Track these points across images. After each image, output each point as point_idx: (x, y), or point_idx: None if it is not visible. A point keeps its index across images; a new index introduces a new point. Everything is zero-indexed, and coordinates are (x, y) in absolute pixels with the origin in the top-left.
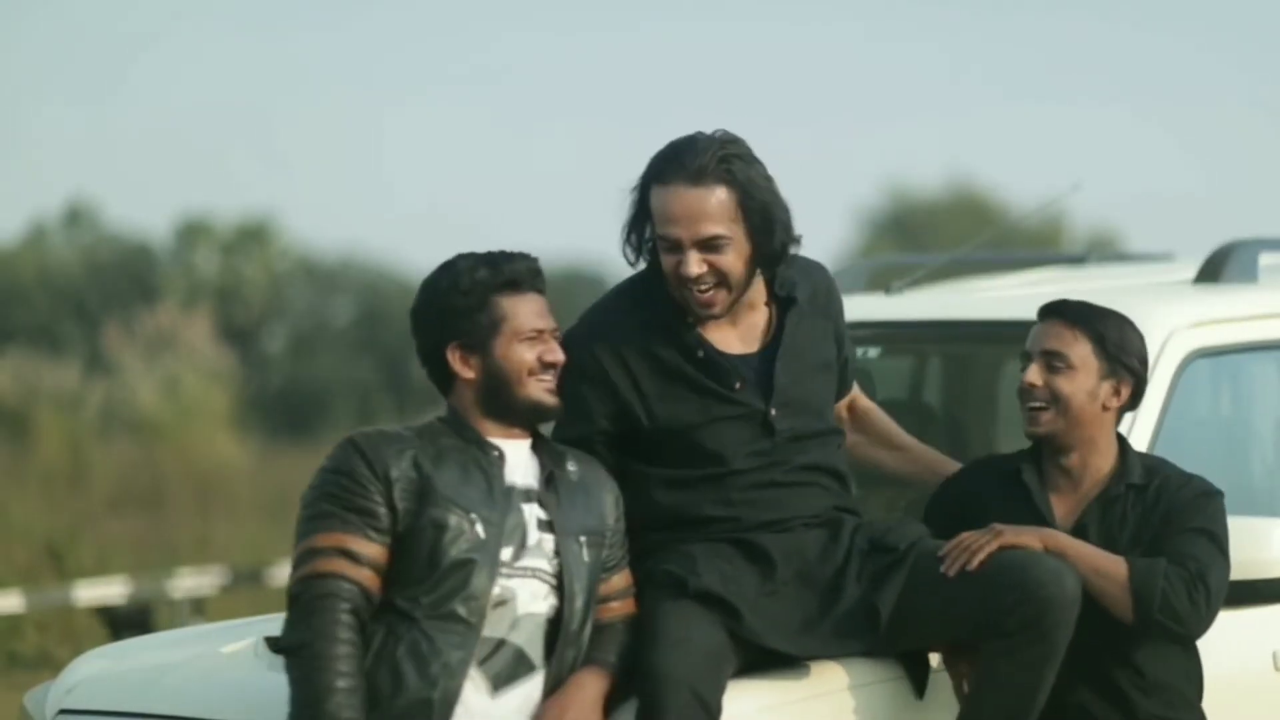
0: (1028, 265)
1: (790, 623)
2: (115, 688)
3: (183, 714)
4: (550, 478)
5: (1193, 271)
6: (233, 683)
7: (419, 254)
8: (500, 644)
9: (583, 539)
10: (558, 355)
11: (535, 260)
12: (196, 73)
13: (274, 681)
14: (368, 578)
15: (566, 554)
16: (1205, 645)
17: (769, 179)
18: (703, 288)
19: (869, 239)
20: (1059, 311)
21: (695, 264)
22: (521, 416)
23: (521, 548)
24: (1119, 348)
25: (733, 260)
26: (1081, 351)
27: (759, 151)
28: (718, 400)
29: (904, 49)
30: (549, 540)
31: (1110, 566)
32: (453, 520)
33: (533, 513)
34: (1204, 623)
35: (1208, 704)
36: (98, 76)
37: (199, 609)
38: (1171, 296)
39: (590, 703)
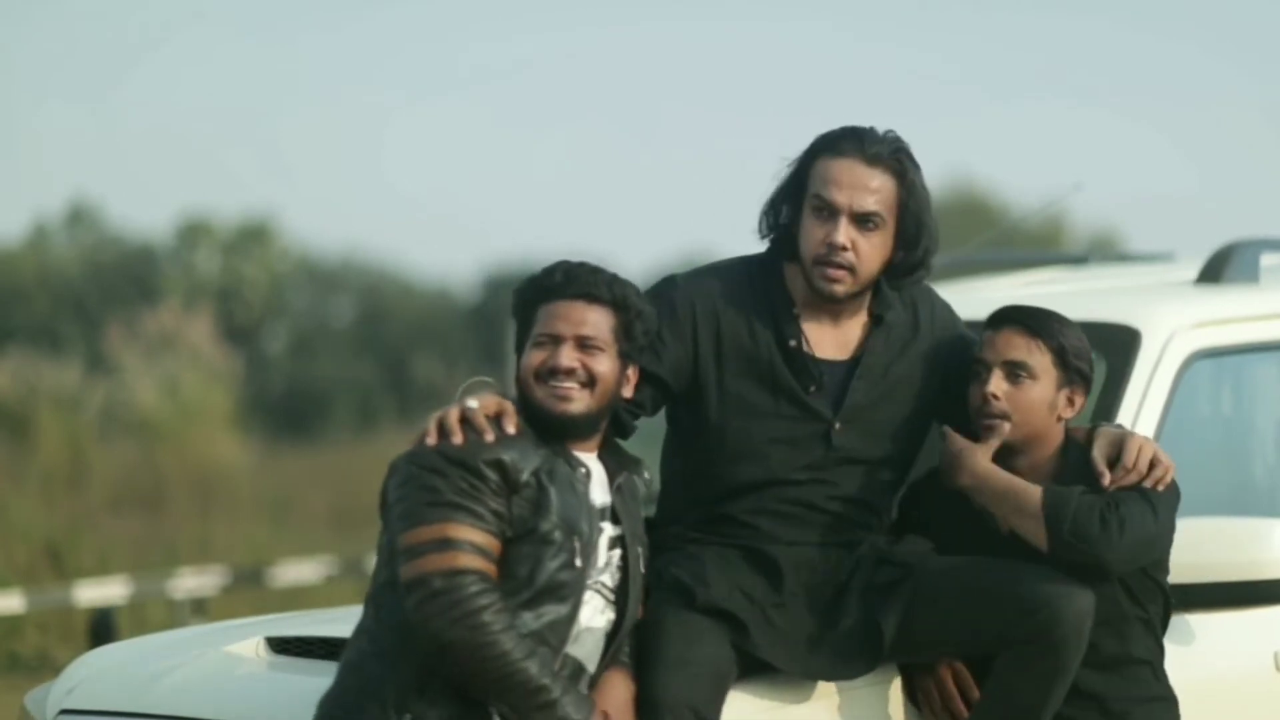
0: (1028, 265)
1: (796, 641)
2: (115, 688)
3: (183, 714)
4: (619, 487)
5: (1194, 272)
6: (233, 683)
7: (419, 254)
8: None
9: (640, 549)
10: (560, 361)
11: (588, 267)
12: (197, 73)
13: (274, 681)
14: (494, 574)
15: (633, 564)
16: (1205, 645)
17: (928, 195)
18: (840, 262)
19: None
20: (1017, 320)
21: (844, 233)
22: (547, 429)
23: (592, 567)
24: (1077, 356)
25: (876, 246)
26: (1042, 361)
27: (756, 150)
28: (788, 399)
29: (904, 49)
30: (615, 556)
31: (1024, 492)
32: (559, 538)
33: (606, 531)
34: (1114, 548)
35: (1208, 704)
36: (98, 76)
37: (199, 609)
38: (1173, 297)
39: (625, 704)
